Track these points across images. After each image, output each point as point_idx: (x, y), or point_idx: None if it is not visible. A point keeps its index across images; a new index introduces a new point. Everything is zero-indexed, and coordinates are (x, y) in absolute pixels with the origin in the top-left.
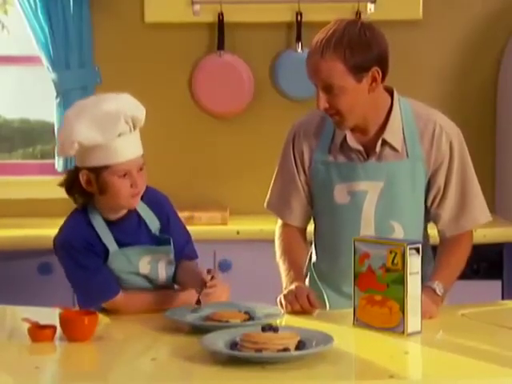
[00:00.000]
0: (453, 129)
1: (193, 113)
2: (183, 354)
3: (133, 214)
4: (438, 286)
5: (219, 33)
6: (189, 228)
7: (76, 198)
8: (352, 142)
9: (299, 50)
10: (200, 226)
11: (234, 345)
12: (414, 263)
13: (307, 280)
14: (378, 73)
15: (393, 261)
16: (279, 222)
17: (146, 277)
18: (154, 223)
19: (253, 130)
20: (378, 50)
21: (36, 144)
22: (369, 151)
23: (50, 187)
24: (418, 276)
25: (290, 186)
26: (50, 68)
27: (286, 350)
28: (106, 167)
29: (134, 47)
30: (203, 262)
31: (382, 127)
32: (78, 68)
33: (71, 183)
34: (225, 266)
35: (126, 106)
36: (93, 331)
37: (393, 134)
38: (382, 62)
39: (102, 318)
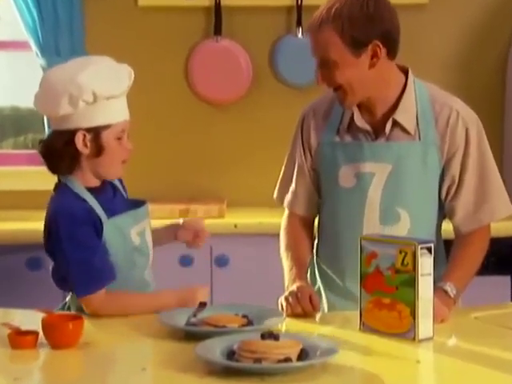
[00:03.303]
0: (471, 116)
1: (188, 100)
2: (176, 364)
3: (106, 183)
4: (450, 287)
5: (216, 17)
6: None
7: (55, 166)
8: (359, 120)
9: (299, 35)
10: None
11: (231, 354)
12: (426, 264)
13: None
14: (379, 48)
15: (403, 261)
16: (285, 211)
17: (137, 250)
18: (122, 191)
19: (251, 118)
20: (382, 25)
21: (27, 133)
22: (378, 132)
23: (41, 178)
24: (430, 278)
25: (297, 171)
26: (39, 54)
27: (287, 360)
28: (106, 127)
29: (127, 32)
30: (199, 257)
31: (393, 107)
32: (68, 54)
33: (56, 148)
34: (222, 262)
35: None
36: (78, 337)
37: (405, 115)
38: (388, 38)
39: (89, 323)
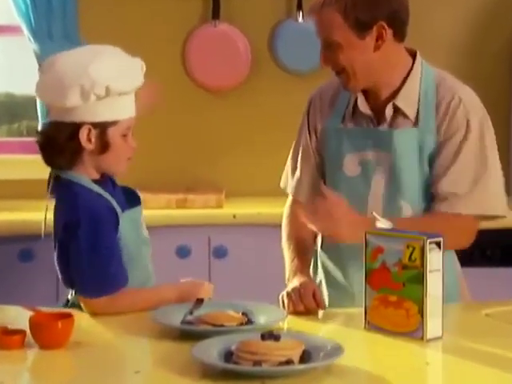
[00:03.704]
0: (475, 106)
1: (186, 87)
2: (171, 365)
3: (104, 174)
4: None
5: (214, 1)
6: (181, 212)
7: (54, 159)
8: (362, 106)
9: (300, 19)
10: (193, 210)
11: (229, 355)
12: (435, 259)
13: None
14: (385, 30)
15: (410, 256)
16: (288, 199)
17: (145, 241)
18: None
19: (250, 105)
20: (389, 6)
21: (21, 120)
22: (381, 118)
23: (35, 167)
24: (439, 274)
25: (301, 155)
26: (32, 38)
27: (288, 362)
28: (114, 123)
29: (122, 16)
30: (197, 249)
31: (397, 92)
32: (61, 39)
33: (57, 141)
34: (220, 253)
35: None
36: (68, 337)
37: (406, 101)
38: (394, 19)
39: (80, 321)
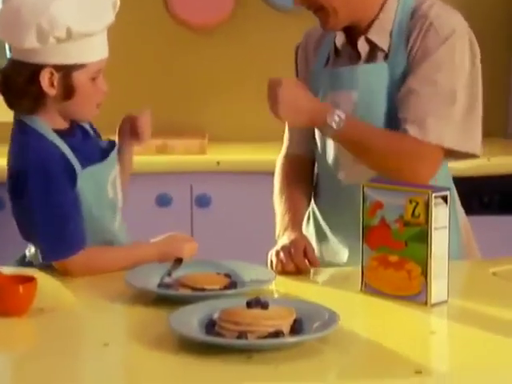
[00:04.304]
0: (453, 26)
1: (167, 25)
2: (145, 337)
3: (74, 124)
4: (339, 115)
5: None
6: (161, 158)
7: (15, 103)
8: (339, 40)
9: None
10: (174, 156)
11: (210, 325)
12: (441, 215)
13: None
14: None
15: (413, 212)
16: (283, 148)
17: (111, 202)
18: (92, 134)
19: (235, 44)
20: None
21: None
22: (359, 55)
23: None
24: (446, 231)
25: None
26: None
27: (278, 333)
28: (80, 66)
29: None
30: (178, 197)
31: (370, 24)
32: None
33: (16, 83)
34: (203, 202)
35: None
36: (30, 303)
37: (380, 33)
38: None
39: (43, 284)
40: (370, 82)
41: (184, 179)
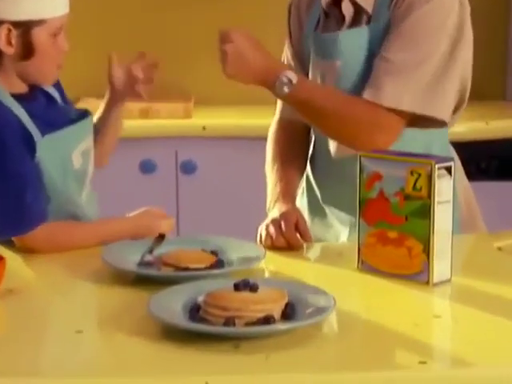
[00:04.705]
0: None
1: None
2: (122, 323)
3: (35, 88)
4: (289, 77)
5: None
6: (145, 122)
7: None
8: (324, 2)
9: None
10: (158, 120)
11: (195, 309)
12: (445, 188)
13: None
14: None
15: (415, 185)
16: (276, 112)
17: (78, 173)
18: (59, 99)
19: (222, 3)
20: None
21: None
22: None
23: None
24: (449, 206)
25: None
26: None
27: (268, 319)
28: (40, 22)
29: None
30: (162, 164)
31: None
32: None
33: None
34: (188, 169)
35: None
36: None
37: None
38: None
39: (12, 263)
40: (352, 49)
41: (168, 145)
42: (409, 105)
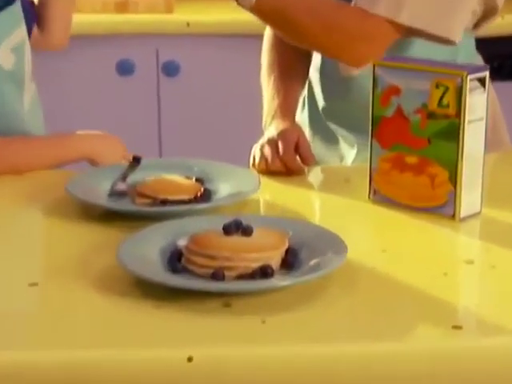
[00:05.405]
0: None
1: None
2: (86, 274)
3: None
4: None
5: None
6: (122, 18)
7: None
8: None
9: None
10: (137, 15)
11: (175, 257)
12: (478, 104)
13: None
14: None
15: (440, 100)
16: None
17: (10, 78)
18: None
19: None
20: None
21: None
22: None
23: None
24: (482, 125)
25: None
26: None
27: (265, 270)
28: None
29: None
30: (142, 64)
31: None
32: None
33: None
34: (171, 70)
35: None
36: None
37: None
38: None
39: None
40: None
41: (148, 43)
42: (408, 18)
